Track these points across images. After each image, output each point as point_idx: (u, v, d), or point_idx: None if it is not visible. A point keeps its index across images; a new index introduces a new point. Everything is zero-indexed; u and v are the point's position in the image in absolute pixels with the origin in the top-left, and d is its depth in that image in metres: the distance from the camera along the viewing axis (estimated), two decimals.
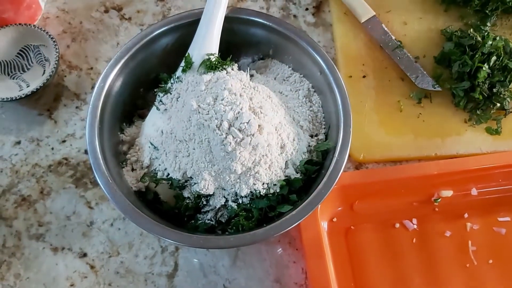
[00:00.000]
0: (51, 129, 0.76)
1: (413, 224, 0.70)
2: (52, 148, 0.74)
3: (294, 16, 0.84)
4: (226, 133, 0.58)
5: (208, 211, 0.63)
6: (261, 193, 0.60)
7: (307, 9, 0.84)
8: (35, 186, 0.72)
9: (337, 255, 0.68)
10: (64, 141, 0.75)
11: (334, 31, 0.82)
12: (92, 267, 0.68)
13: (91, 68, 0.79)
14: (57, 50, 0.75)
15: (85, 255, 0.69)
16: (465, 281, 0.67)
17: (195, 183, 0.61)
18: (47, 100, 0.77)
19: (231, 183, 0.60)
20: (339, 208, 0.70)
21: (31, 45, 0.78)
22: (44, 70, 0.77)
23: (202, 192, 0.60)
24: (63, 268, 0.68)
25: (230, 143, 0.57)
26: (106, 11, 0.84)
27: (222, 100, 0.59)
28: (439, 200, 0.71)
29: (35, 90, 0.73)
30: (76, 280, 0.67)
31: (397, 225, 0.70)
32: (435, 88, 0.76)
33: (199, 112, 0.59)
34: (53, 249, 0.69)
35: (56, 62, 0.74)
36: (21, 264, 0.68)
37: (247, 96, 0.60)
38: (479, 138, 0.74)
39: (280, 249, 0.69)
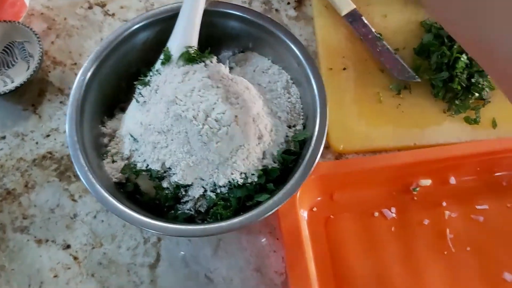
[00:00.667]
0: (35, 124, 0.77)
1: (392, 213, 0.70)
2: (37, 143, 0.76)
3: (276, 10, 0.85)
4: (203, 123, 0.59)
5: (188, 201, 0.64)
6: (239, 183, 0.61)
7: (288, 3, 0.85)
8: (19, 180, 0.73)
9: (316, 244, 0.68)
10: (48, 136, 0.76)
11: (315, 24, 0.82)
12: (75, 258, 0.69)
13: (75, 64, 0.81)
14: (41, 46, 0.76)
15: (68, 246, 0.70)
16: (443, 268, 0.67)
17: (173, 174, 0.62)
18: (32, 95, 0.78)
19: (209, 173, 0.61)
20: (319, 198, 0.71)
21: (15, 41, 0.79)
22: (29, 66, 0.78)
23: (181, 183, 0.61)
24: (47, 260, 0.69)
25: (207, 133, 0.58)
26: (90, 8, 0.85)
27: (198, 91, 0.60)
28: (417, 189, 0.72)
29: (19, 86, 0.74)
30: (59, 271, 0.68)
31: (376, 214, 0.71)
32: (415, 79, 0.77)
33: (176, 103, 0.60)
34: (37, 241, 0.70)
35: (40, 58, 0.75)
36: (6, 257, 0.69)
37: (224, 87, 0.61)
38: (458, 128, 0.75)
39: (264, 239, 0.70)
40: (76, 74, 0.78)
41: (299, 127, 0.67)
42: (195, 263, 0.69)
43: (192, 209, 0.64)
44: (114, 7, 0.85)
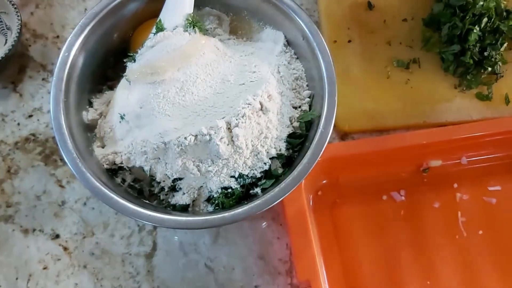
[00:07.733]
0: (16, 103, 0.71)
1: (401, 195, 0.67)
2: (18, 124, 0.70)
3: None
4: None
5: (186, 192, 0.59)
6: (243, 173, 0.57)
7: None
8: (1, 165, 0.68)
9: (322, 230, 0.65)
10: (30, 116, 0.70)
11: None
12: (65, 248, 0.65)
13: (58, 37, 0.74)
14: (19, 18, 0.69)
15: (57, 236, 0.65)
16: (454, 253, 0.65)
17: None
18: (11, 72, 0.72)
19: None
20: (324, 181, 0.67)
21: None
22: (6, 40, 0.72)
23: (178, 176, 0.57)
24: (35, 251, 0.64)
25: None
26: None
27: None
28: (427, 170, 0.68)
29: None
30: (49, 262, 0.64)
31: (385, 197, 0.67)
32: None
33: None
34: (23, 231, 0.65)
35: (18, 30, 0.69)
36: None
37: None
38: (469, 105, 0.71)
39: (265, 223, 0.66)
40: (59, 48, 0.73)
41: (304, 107, 0.61)
42: (194, 251, 0.65)
43: (192, 196, 0.59)
44: None
